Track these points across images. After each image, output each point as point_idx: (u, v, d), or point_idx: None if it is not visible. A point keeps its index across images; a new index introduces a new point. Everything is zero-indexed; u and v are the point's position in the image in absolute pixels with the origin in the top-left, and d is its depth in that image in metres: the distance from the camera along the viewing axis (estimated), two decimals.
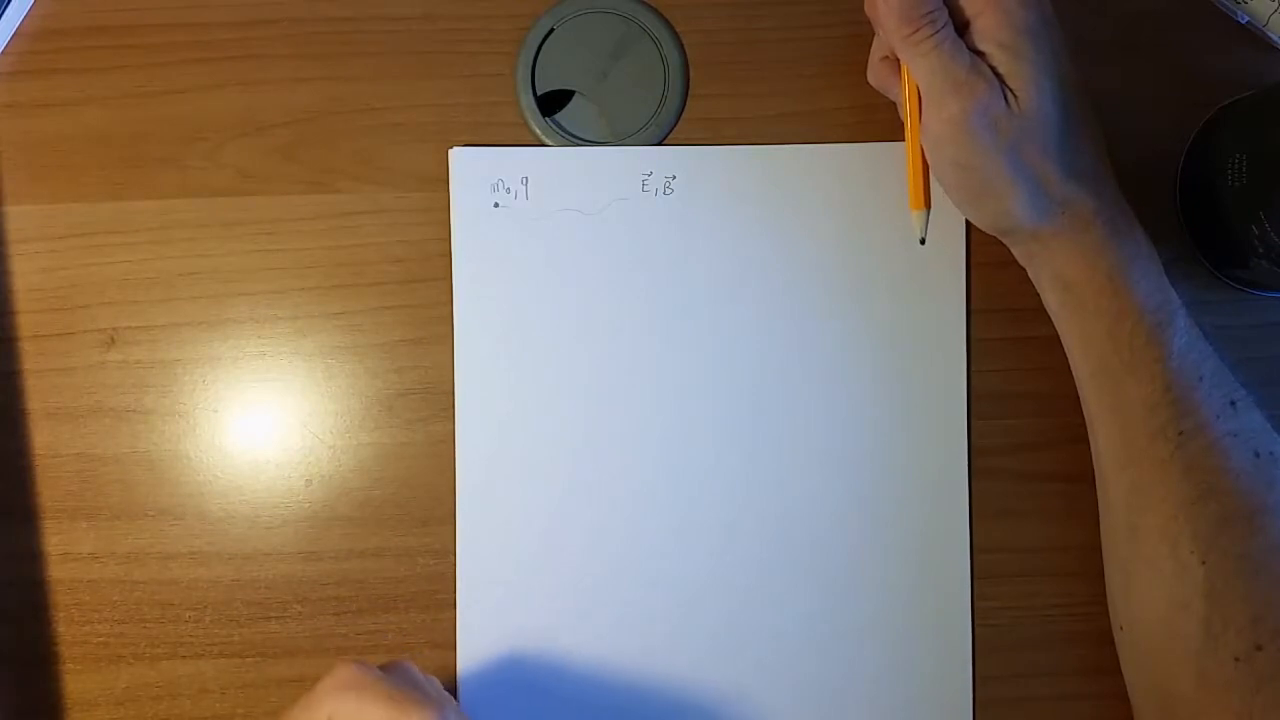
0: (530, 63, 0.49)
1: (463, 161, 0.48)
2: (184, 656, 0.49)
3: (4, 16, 0.48)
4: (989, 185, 0.43)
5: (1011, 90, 0.41)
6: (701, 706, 0.48)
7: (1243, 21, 0.48)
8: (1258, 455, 0.41)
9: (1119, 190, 0.43)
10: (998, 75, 0.41)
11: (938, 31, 0.41)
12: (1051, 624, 0.49)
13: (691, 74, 0.49)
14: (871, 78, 0.47)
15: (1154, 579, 0.42)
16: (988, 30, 0.41)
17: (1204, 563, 0.41)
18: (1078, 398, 0.46)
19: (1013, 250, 0.46)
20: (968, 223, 0.48)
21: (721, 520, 0.48)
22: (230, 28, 0.49)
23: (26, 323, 0.49)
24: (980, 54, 0.42)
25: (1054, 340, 0.46)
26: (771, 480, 0.48)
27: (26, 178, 0.49)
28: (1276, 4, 0.48)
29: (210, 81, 0.49)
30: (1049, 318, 0.46)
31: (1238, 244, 0.45)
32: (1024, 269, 0.47)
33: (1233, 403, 0.42)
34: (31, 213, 0.49)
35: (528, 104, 0.49)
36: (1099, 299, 0.42)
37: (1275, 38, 0.48)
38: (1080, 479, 0.48)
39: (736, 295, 0.48)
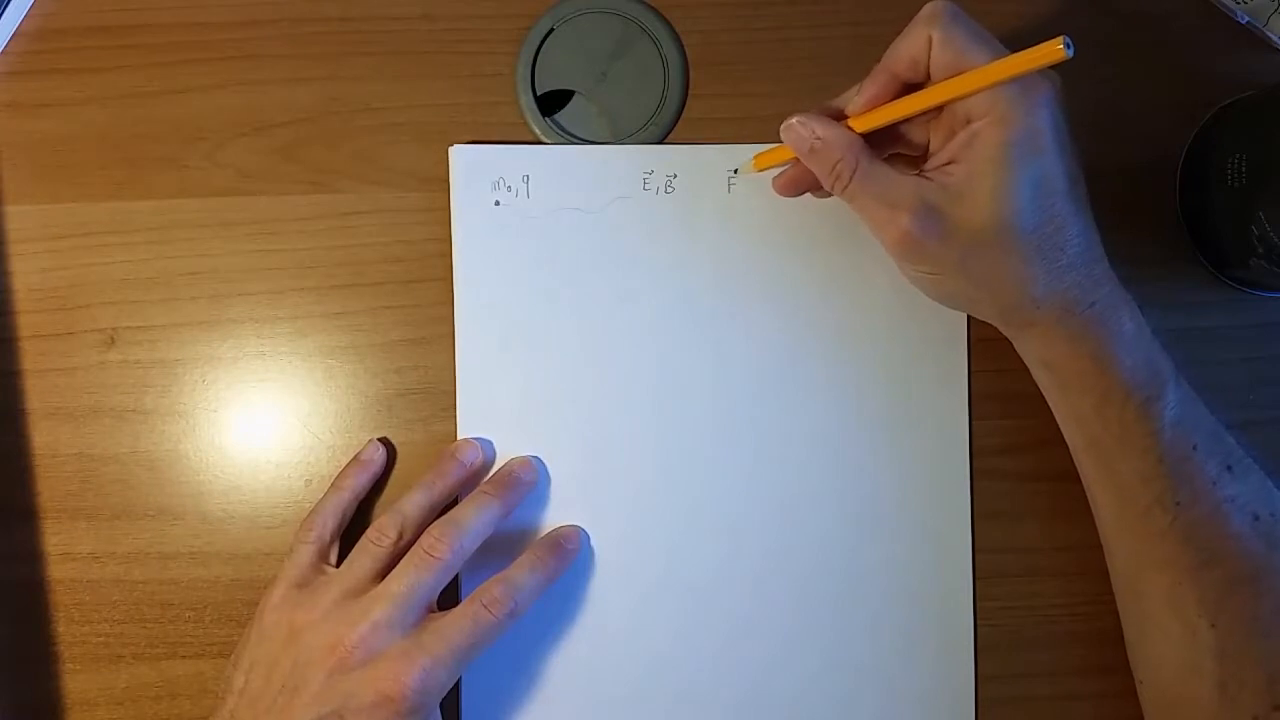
0: (530, 62, 0.49)
1: (463, 159, 0.48)
2: (184, 656, 0.48)
3: (4, 16, 0.48)
4: (956, 293, 0.43)
5: (973, 201, 0.40)
6: (703, 704, 0.48)
7: (1243, 21, 0.48)
8: (1257, 518, 0.41)
9: (1107, 266, 0.42)
10: (955, 187, 0.40)
11: (851, 178, 0.41)
12: (1052, 624, 0.49)
13: (691, 74, 0.49)
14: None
15: (1163, 640, 0.42)
16: (972, 138, 0.40)
17: (1214, 626, 0.41)
18: None
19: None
20: None
21: (723, 520, 0.48)
22: (230, 28, 0.49)
23: (26, 323, 0.49)
24: (953, 161, 0.41)
25: None
26: (772, 479, 0.48)
27: (26, 178, 0.49)
28: (1276, 4, 0.48)
29: (210, 81, 0.49)
30: None
31: (1237, 244, 0.45)
32: None
33: (1229, 467, 0.42)
34: (31, 213, 0.49)
35: (528, 104, 0.49)
36: (1083, 380, 0.42)
37: (1275, 38, 0.48)
38: (1080, 479, 0.48)
39: (737, 294, 0.48)
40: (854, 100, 0.43)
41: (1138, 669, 0.45)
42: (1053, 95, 0.40)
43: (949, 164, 0.41)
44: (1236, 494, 0.41)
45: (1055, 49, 0.38)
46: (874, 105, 0.42)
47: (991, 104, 0.39)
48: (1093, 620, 0.48)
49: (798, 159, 0.43)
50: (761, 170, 0.47)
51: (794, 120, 0.42)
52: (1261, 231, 0.43)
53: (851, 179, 0.41)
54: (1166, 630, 0.42)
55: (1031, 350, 0.44)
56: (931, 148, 0.43)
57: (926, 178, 0.41)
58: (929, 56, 0.41)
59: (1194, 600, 0.41)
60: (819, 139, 0.41)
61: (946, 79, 0.40)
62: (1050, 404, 0.45)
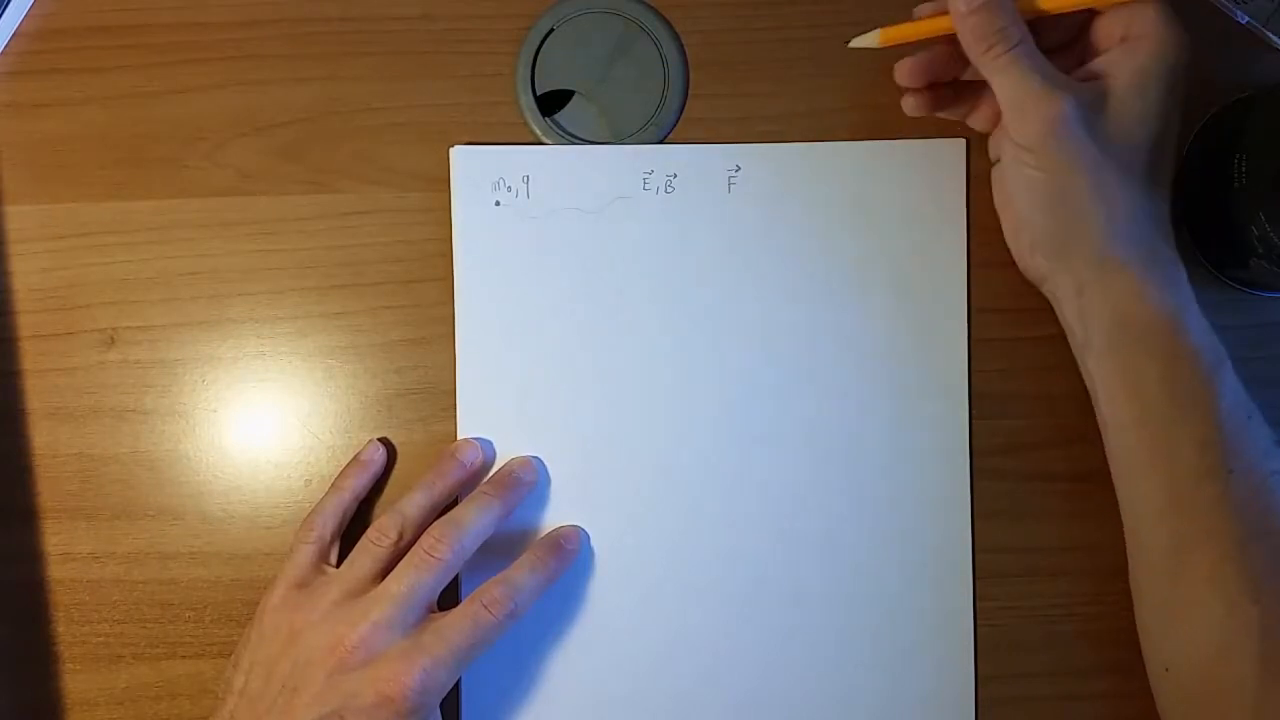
0: (530, 63, 0.49)
1: (464, 159, 0.48)
2: (183, 656, 0.49)
3: (4, 16, 0.48)
4: (1066, 197, 0.42)
5: (1117, 117, 0.41)
6: (703, 704, 0.48)
7: (1243, 21, 0.48)
8: None
9: (1174, 239, 0.44)
10: (1104, 94, 0.42)
11: (1014, 47, 0.41)
12: (1053, 624, 0.49)
13: (691, 74, 0.49)
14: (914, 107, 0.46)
15: (1201, 621, 0.41)
16: (1130, 54, 0.42)
17: (1257, 602, 0.40)
18: (1078, 397, 0.46)
19: (1055, 285, 0.45)
20: (968, 223, 0.48)
21: (722, 519, 0.48)
22: (230, 28, 0.49)
23: (26, 323, 0.49)
24: (1100, 77, 0.42)
25: (1054, 340, 0.46)
26: (772, 479, 0.48)
27: (26, 178, 0.49)
28: (1276, 4, 0.48)
29: (210, 81, 0.49)
30: (1049, 317, 0.46)
31: (1238, 244, 0.45)
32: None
33: (1277, 442, 0.42)
34: (31, 213, 0.49)
35: (528, 104, 0.49)
36: (1157, 339, 0.42)
37: (1275, 38, 0.48)
38: (1081, 479, 0.48)
39: (737, 294, 0.48)
40: None
41: (1167, 655, 0.43)
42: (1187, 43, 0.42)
43: (1100, 77, 0.42)
44: (1264, 481, 0.41)
45: None
46: None
47: (1153, 27, 0.41)
48: (1093, 620, 0.48)
49: (936, 39, 0.44)
50: (885, 45, 0.45)
51: None
52: (1261, 231, 0.43)
53: (1014, 48, 0.41)
54: (1207, 609, 0.41)
55: (1109, 301, 0.43)
56: (1073, 59, 0.44)
57: (1080, 79, 0.42)
58: None
59: (1238, 575, 0.40)
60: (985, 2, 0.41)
61: None
62: (1101, 373, 0.44)
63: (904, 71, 0.45)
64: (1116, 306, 0.43)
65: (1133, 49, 0.42)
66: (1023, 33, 0.41)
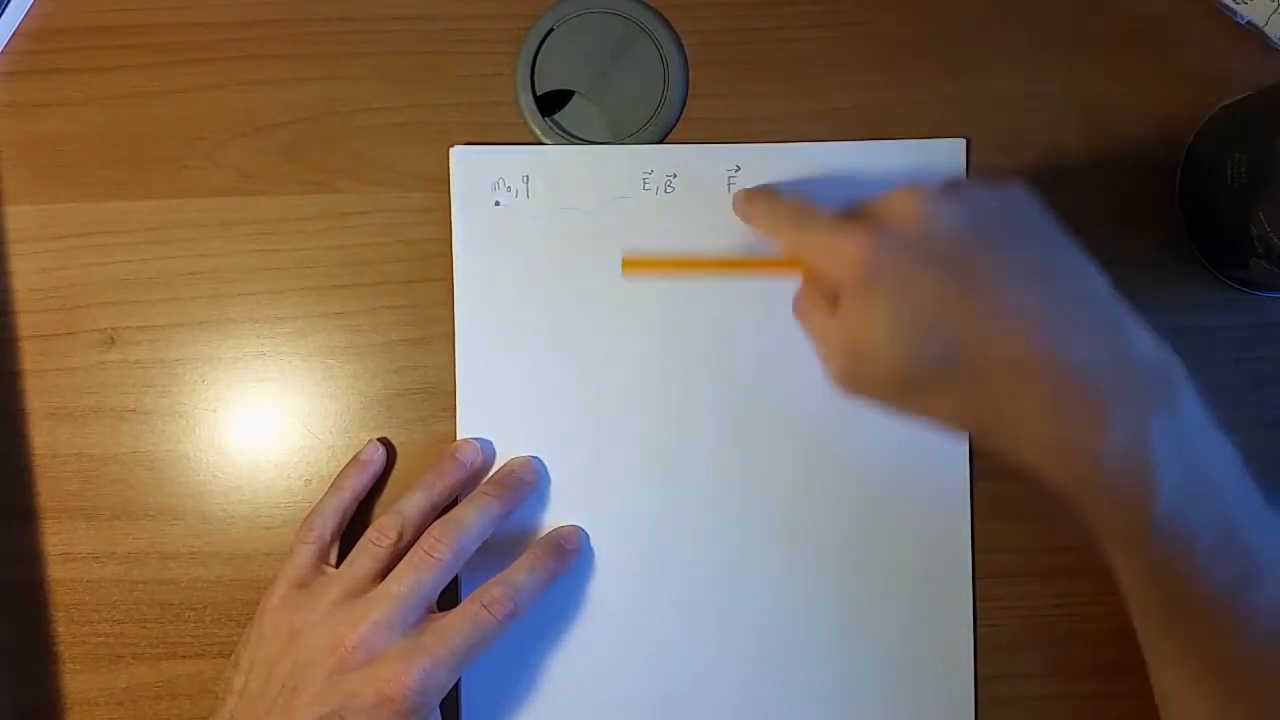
0: (530, 63, 0.49)
1: (464, 160, 0.48)
2: (183, 656, 0.49)
3: (4, 16, 0.48)
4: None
5: (853, 349, 0.39)
6: (703, 704, 0.48)
7: (1242, 21, 0.48)
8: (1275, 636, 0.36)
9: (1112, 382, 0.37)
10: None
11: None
12: (1052, 624, 0.49)
13: (691, 74, 0.49)
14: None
15: None
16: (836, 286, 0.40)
17: None
18: None
19: None
20: None
21: (722, 520, 0.48)
22: (230, 28, 0.49)
23: (26, 323, 0.49)
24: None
25: None
26: (772, 479, 0.48)
27: (26, 178, 0.49)
28: (1276, 4, 0.48)
29: (210, 81, 0.49)
30: None
31: (1237, 244, 0.45)
32: None
33: (1243, 581, 0.36)
34: (31, 213, 0.49)
35: (527, 104, 0.49)
36: (1124, 546, 0.38)
37: (1275, 38, 0.48)
38: None
39: (737, 293, 0.48)
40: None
41: None
42: (867, 248, 0.38)
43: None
44: (1248, 611, 0.36)
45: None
46: None
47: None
48: (1093, 620, 0.48)
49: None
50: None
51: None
52: (1261, 231, 0.43)
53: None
54: None
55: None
56: None
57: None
58: None
59: None
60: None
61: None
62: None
63: None
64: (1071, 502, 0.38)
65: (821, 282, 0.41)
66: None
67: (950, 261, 0.37)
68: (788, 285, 0.48)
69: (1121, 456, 0.36)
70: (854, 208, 0.41)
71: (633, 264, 0.47)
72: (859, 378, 0.40)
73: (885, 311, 0.37)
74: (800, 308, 0.42)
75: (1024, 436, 0.37)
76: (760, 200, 0.45)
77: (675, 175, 0.48)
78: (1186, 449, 0.36)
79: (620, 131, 0.49)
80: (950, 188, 0.39)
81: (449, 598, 0.46)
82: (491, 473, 0.48)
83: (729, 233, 0.48)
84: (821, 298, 0.41)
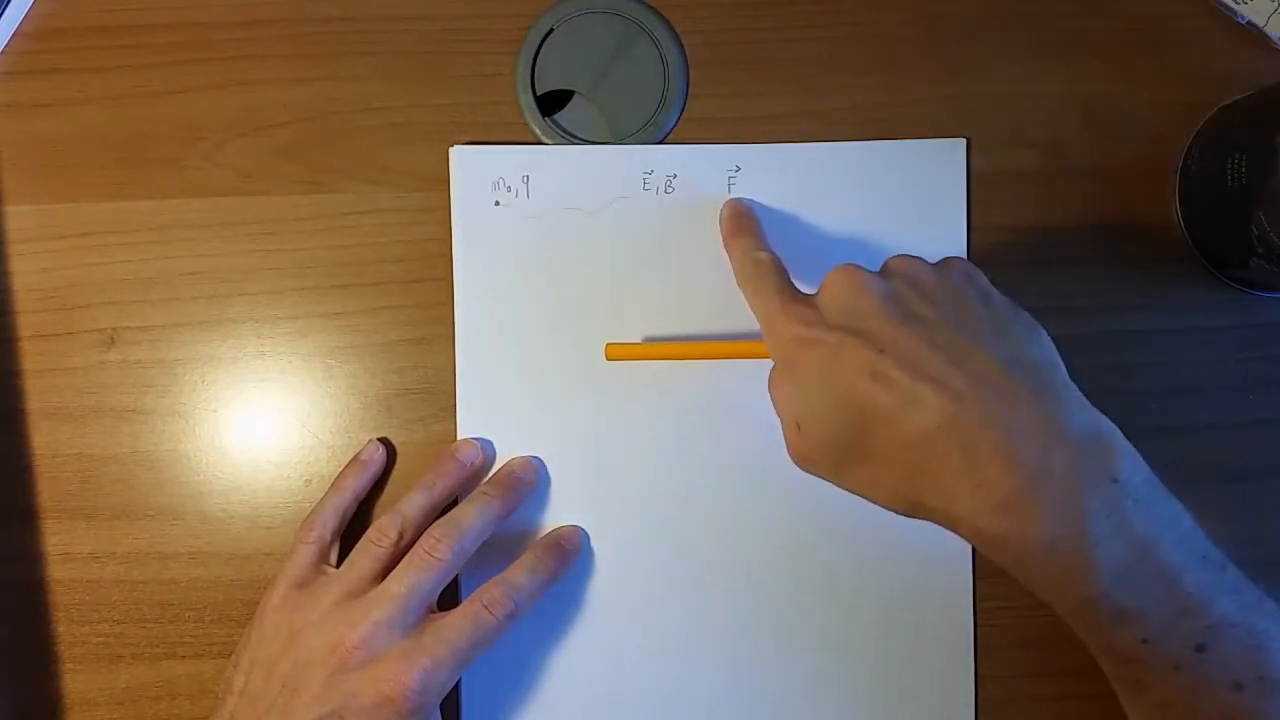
0: (530, 62, 0.49)
1: (464, 160, 0.48)
2: (183, 656, 0.49)
3: (4, 16, 0.48)
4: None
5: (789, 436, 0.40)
6: (703, 704, 0.48)
7: (1242, 21, 0.48)
8: (1239, 688, 0.35)
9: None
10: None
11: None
12: (1053, 624, 0.48)
13: (691, 74, 0.49)
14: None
15: None
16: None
17: None
18: None
19: None
20: (968, 223, 0.48)
21: (723, 519, 0.48)
22: (230, 27, 0.49)
23: (26, 323, 0.49)
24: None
25: (1054, 340, 0.46)
26: (772, 480, 0.48)
27: (26, 178, 0.49)
28: (1276, 4, 0.48)
29: (210, 81, 0.49)
30: (1049, 318, 0.46)
31: (1237, 244, 0.45)
32: (1028, 272, 0.47)
33: (1198, 647, 0.35)
34: (31, 213, 0.49)
35: (527, 104, 0.49)
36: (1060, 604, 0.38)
37: (1275, 38, 0.48)
38: None
39: (736, 293, 0.48)
40: None
41: None
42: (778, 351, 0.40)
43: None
44: (1207, 674, 0.35)
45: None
46: None
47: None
48: None
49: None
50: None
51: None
52: (1261, 231, 0.43)
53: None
54: None
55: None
56: None
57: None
58: None
59: None
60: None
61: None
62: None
63: None
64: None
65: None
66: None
67: (874, 338, 0.37)
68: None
69: (1055, 543, 0.35)
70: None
71: (616, 351, 0.46)
72: (801, 454, 0.40)
73: (808, 387, 0.38)
74: (769, 379, 0.41)
75: (954, 519, 0.37)
76: (735, 243, 0.45)
77: (675, 175, 0.48)
78: (1126, 521, 0.35)
79: (620, 131, 0.49)
80: (893, 262, 0.40)
81: (449, 598, 0.46)
82: (491, 473, 0.48)
83: None
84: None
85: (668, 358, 0.48)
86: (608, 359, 0.46)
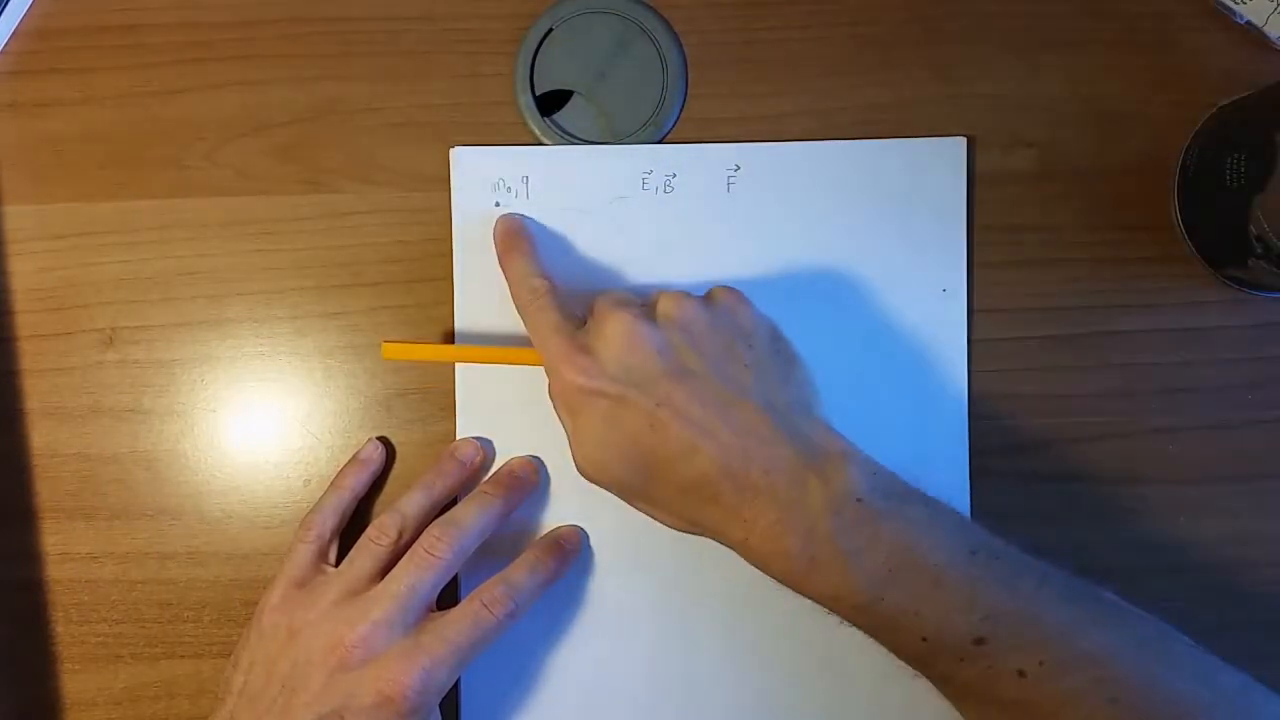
0: (529, 63, 0.49)
1: (464, 160, 0.48)
2: (182, 656, 0.48)
3: (4, 16, 0.48)
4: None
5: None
6: (703, 704, 0.48)
7: (1242, 21, 0.48)
8: (1023, 674, 0.37)
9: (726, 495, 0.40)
10: None
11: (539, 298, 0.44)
12: None
13: (691, 74, 0.49)
14: None
15: None
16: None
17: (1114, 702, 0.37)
18: (1078, 397, 0.46)
19: None
20: (969, 223, 0.48)
21: None
22: (230, 27, 0.49)
23: (25, 322, 0.49)
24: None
25: (1054, 340, 0.46)
26: None
27: (26, 178, 0.49)
28: (1276, 4, 0.48)
29: (209, 81, 0.49)
30: (1049, 318, 0.46)
31: (1236, 244, 0.45)
32: (1028, 272, 0.47)
33: (978, 640, 0.37)
34: (31, 213, 0.49)
35: (527, 104, 0.49)
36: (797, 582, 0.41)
37: (1275, 38, 0.48)
38: (1080, 479, 0.48)
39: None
40: None
41: None
42: (560, 386, 0.42)
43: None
44: (991, 663, 0.37)
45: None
46: None
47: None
48: None
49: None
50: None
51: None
52: (1260, 231, 0.43)
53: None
54: None
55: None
56: None
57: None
58: None
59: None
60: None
61: None
62: None
63: None
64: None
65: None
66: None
67: (651, 392, 0.41)
68: (787, 285, 0.48)
69: (816, 560, 0.39)
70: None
71: (392, 350, 0.46)
72: (588, 476, 0.43)
73: (592, 433, 0.42)
74: (550, 394, 0.44)
75: (730, 543, 0.41)
76: (509, 264, 0.46)
77: (675, 175, 0.48)
78: (876, 533, 0.39)
79: (620, 131, 0.49)
80: (665, 304, 0.43)
81: (449, 597, 0.46)
82: (491, 472, 0.48)
83: (728, 232, 0.48)
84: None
85: (441, 360, 0.48)
86: (384, 357, 0.46)
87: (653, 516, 0.43)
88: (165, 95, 0.49)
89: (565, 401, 0.42)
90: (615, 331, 0.42)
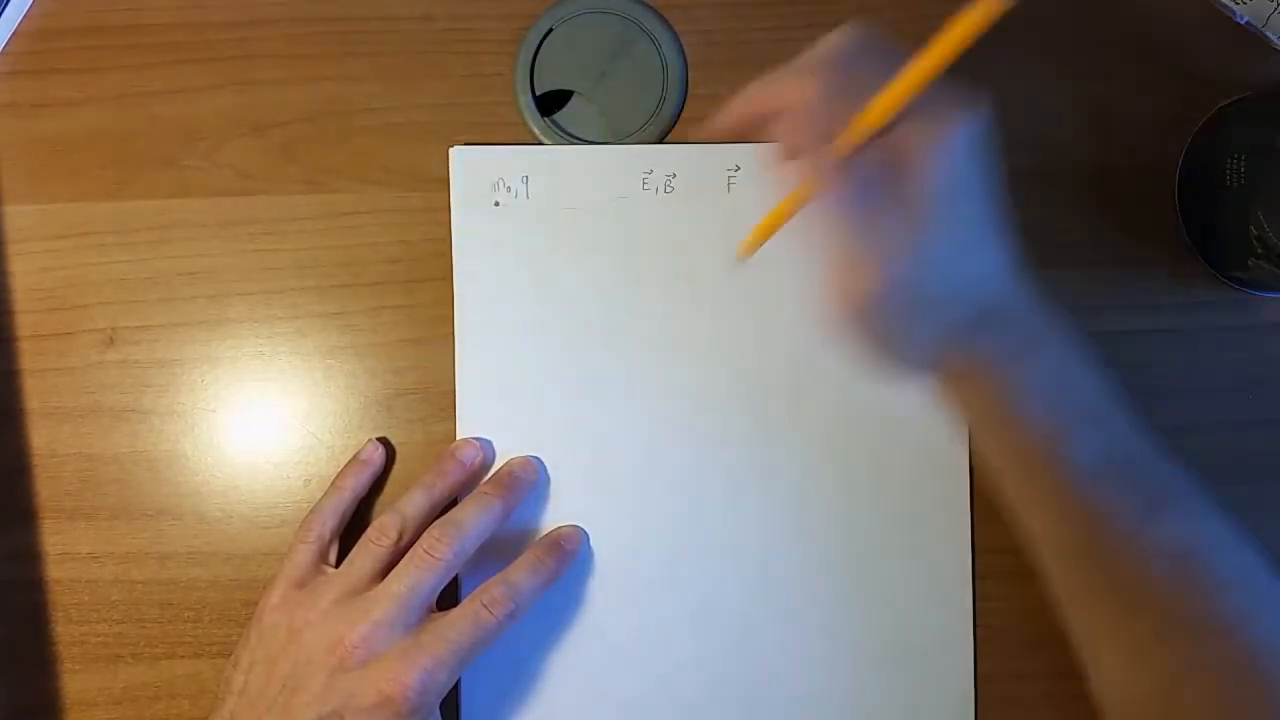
0: (529, 63, 0.49)
1: (463, 160, 0.48)
2: (182, 656, 0.48)
3: (4, 16, 0.48)
4: (890, 341, 0.40)
5: (902, 253, 0.37)
6: (703, 704, 0.48)
7: (1242, 21, 0.48)
8: (1186, 559, 0.38)
9: (1027, 306, 0.39)
10: (890, 240, 0.37)
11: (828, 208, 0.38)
12: (1052, 624, 0.48)
13: (691, 74, 0.49)
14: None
15: (1104, 672, 0.40)
16: (906, 191, 0.37)
17: (1146, 669, 0.38)
18: None
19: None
20: None
21: (722, 519, 0.48)
22: (229, 27, 0.49)
23: (25, 322, 0.49)
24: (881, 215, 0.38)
25: None
26: (772, 479, 0.48)
27: (26, 178, 0.49)
28: (1276, 4, 0.48)
29: (210, 81, 0.49)
30: None
31: (1237, 244, 0.46)
32: (1028, 272, 0.47)
33: (1156, 507, 0.38)
34: (31, 213, 0.49)
35: (527, 104, 0.49)
36: (996, 431, 0.40)
37: (1275, 38, 0.48)
38: None
39: (737, 293, 0.48)
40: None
41: (1091, 682, 0.41)
42: (971, 129, 0.37)
43: (878, 211, 0.38)
44: (1164, 537, 0.38)
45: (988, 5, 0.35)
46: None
47: (911, 146, 0.37)
48: None
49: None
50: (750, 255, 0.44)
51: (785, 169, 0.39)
52: (1261, 232, 0.44)
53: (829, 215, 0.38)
54: (1103, 665, 0.40)
55: (950, 401, 0.41)
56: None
57: (868, 229, 0.38)
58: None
59: (1125, 647, 0.39)
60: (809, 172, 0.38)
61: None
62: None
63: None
64: (958, 408, 0.41)
65: (900, 178, 0.37)
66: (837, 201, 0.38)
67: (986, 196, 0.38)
68: (787, 284, 0.48)
69: (1040, 391, 0.38)
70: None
71: (748, 246, 0.43)
72: (893, 289, 0.38)
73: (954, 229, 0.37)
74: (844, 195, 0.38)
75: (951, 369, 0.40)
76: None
77: (675, 175, 0.48)
78: (1079, 386, 0.39)
79: (620, 131, 0.49)
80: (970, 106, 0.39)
81: (449, 598, 0.46)
82: (491, 473, 0.48)
83: (730, 232, 0.48)
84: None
85: (784, 219, 0.42)
86: (742, 256, 0.43)
87: (905, 343, 0.40)
88: (165, 95, 0.49)
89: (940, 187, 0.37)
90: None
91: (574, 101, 0.49)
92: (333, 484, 0.47)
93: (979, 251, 0.38)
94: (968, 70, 0.48)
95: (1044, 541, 0.40)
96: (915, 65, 0.37)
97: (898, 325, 0.39)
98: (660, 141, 0.49)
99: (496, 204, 0.48)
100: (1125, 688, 0.39)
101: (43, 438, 0.49)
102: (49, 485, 0.49)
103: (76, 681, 0.48)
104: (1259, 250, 0.44)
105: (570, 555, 0.47)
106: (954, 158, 0.37)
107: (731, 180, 0.48)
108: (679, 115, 0.49)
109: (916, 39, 0.49)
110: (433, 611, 0.44)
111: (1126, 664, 0.39)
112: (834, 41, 0.39)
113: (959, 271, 0.38)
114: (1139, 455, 0.39)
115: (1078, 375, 0.39)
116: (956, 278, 0.38)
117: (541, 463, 0.48)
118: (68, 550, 0.49)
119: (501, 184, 0.48)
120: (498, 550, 0.46)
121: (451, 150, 0.48)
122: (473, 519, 0.45)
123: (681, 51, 0.49)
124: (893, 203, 0.37)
